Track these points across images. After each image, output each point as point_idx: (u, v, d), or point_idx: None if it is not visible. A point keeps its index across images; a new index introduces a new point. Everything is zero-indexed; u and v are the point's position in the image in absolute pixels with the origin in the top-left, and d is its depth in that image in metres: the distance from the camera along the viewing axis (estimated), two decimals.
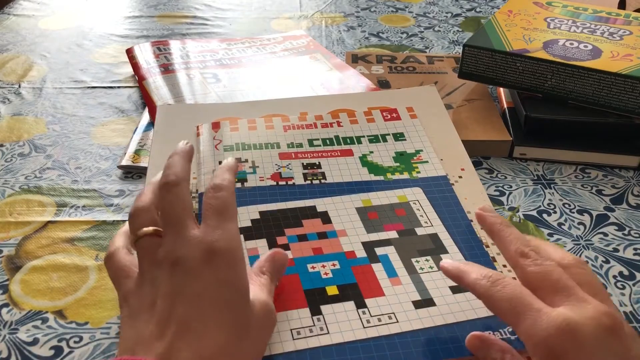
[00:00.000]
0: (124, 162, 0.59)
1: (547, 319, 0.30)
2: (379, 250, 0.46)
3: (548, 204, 0.56)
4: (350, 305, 0.41)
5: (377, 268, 0.44)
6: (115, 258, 0.38)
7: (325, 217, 0.49)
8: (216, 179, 0.38)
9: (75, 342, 0.41)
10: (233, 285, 0.34)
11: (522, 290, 0.33)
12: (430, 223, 0.49)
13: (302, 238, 0.46)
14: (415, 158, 0.56)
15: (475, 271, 0.36)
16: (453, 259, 0.45)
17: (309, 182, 0.53)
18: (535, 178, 0.60)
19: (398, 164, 0.55)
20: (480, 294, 0.35)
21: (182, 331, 0.32)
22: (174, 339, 0.32)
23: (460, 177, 0.54)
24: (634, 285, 0.47)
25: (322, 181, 0.53)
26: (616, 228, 0.53)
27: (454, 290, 0.43)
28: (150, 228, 0.36)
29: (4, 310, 0.44)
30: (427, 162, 0.55)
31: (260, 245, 0.46)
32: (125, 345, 0.34)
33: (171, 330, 0.32)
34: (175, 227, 0.35)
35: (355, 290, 0.42)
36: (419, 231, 0.48)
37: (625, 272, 0.49)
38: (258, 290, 0.37)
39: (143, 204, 0.38)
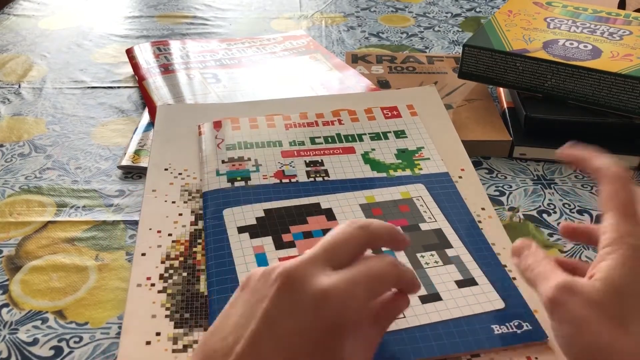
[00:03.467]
0: (124, 162, 0.59)
1: (554, 279, 0.34)
2: None
3: (548, 204, 0.56)
4: None
5: None
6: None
7: (329, 214, 0.49)
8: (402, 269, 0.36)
9: (75, 342, 0.41)
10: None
11: (550, 261, 0.36)
12: (434, 218, 0.49)
13: (308, 235, 0.47)
14: (416, 155, 0.56)
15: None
16: (458, 254, 0.46)
17: (312, 179, 0.53)
18: (535, 178, 0.60)
19: (400, 161, 0.55)
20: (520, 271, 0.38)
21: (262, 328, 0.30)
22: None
23: (460, 177, 0.54)
24: None
25: (325, 178, 0.53)
26: None
27: (460, 284, 0.43)
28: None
29: (4, 310, 0.44)
30: (428, 159, 0.56)
31: (266, 242, 0.46)
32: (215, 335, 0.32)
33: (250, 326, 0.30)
34: (316, 252, 0.33)
35: None
36: (423, 227, 0.48)
37: None
38: (358, 346, 0.33)
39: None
